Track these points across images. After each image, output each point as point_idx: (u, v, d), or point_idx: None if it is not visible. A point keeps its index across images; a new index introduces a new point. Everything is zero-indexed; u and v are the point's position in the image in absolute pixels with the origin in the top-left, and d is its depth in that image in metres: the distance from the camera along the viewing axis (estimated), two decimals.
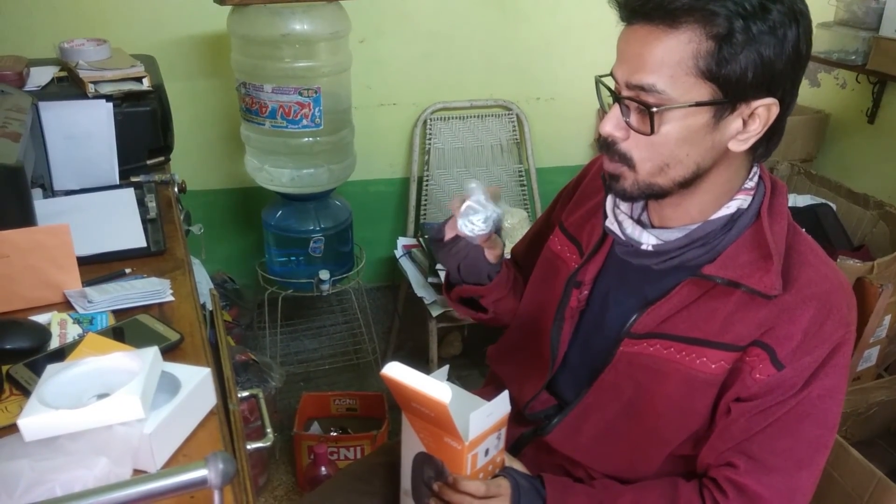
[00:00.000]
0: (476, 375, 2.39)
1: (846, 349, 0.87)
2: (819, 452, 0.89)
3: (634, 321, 0.93)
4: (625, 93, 0.81)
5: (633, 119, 0.81)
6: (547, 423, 1.05)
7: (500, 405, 0.91)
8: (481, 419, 0.88)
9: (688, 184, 0.84)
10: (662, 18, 0.76)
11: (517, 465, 1.01)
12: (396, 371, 0.89)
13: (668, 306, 0.90)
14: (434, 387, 0.84)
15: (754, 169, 0.89)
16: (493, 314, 1.17)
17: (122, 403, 0.68)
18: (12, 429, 0.73)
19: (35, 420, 0.67)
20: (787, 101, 0.80)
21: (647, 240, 0.91)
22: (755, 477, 0.88)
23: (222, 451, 0.63)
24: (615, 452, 0.99)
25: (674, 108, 0.78)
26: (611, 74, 0.84)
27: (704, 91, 0.77)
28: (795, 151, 2.53)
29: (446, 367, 1.00)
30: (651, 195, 0.86)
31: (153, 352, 0.77)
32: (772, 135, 0.83)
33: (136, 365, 0.74)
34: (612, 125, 0.83)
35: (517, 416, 1.09)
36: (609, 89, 0.84)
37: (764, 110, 0.79)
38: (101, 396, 0.71)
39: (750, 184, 0.88)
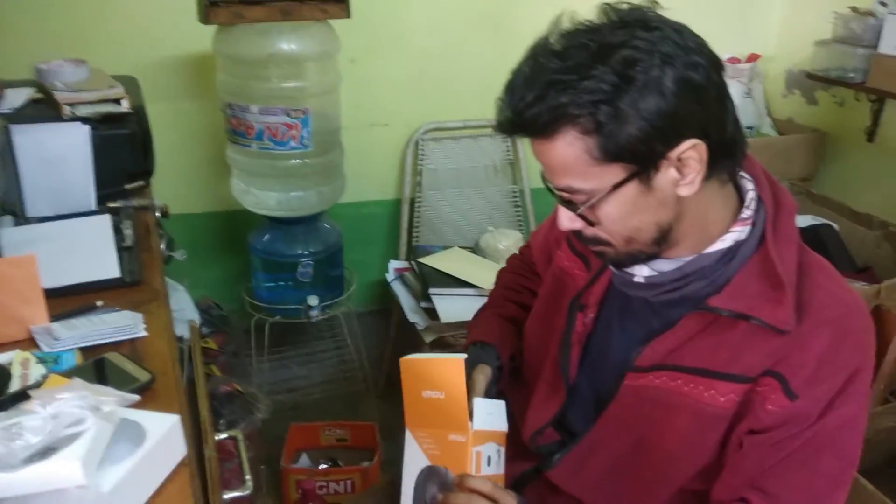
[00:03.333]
0: None
1: (864, 376, 0.82)
2: (838, 488, 0.84)
3: (638, 354, 0.90)
4: (557, 192, 0.82)
5: (580, 211, 0.82)
6: (550, 458, 1.01)
7: (500, 411, 0.95)
8: (484, 407, 0.91)
9: (663, 239, 0.83)
10: (536, 134, 0.77)
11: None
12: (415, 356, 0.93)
13: (672, 339, 0.87)
14: (450, 356, 0.88)
15: (750, 196, 0.85)
16: None
17: (61, 468, 0.62)
18: None
19: None
20: (713, 130, 0.76)
21: (640, 271, 0.87)
22: None
23: None
24: (622, 490, 0.95)
25: (597, 198, 0.78)
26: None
27: (615, 170, 0.76)
28: (794, 170, 2.49)
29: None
30: (640, 259, 0.86)
31: (109, 403, 0.70)
32: (721, 157, 0.78)
33: (89, 414, 0.67)
34: (567, 220, 0.83)
35: (521, 451, 1.05)
36: (547, 187, 0.85)
37: (692, 151, 0.75)
38: (49, 451, 0.64)
39: (747, 213, 0.84)
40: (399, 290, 2.19)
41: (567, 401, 1.00)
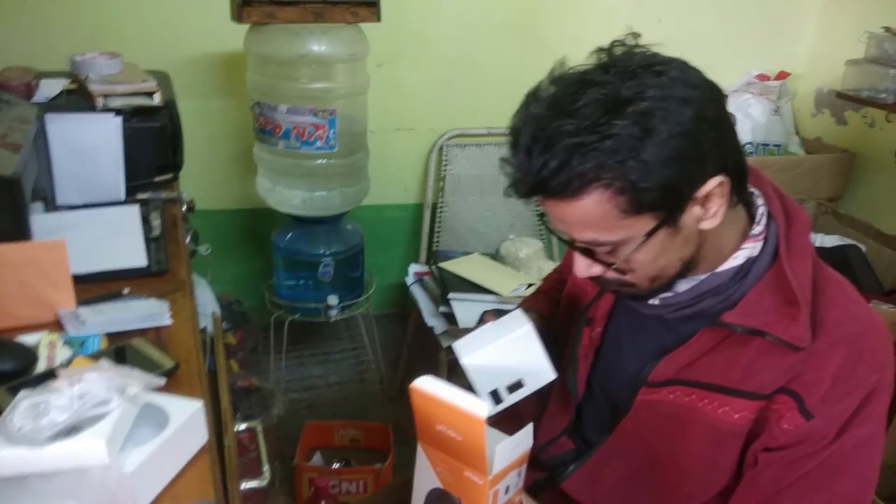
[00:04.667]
0: None
1: (882, 395, 0.80)
2: None
3: (651, 369, 0.89)
4: (577, 244, 0.80)
5: (601, 258, 0.81)
6: (563, 468, 1.00)
7: (524, 438, 0.86)
8: (506, 452, 0.83)
9: (687, 270, 0.82)
10: (559, 197, 0.74)
11: None
12: (429, 385, 0.83)
13: (686, 354, 0.86)
14: (469, 402, 0.78)
15: (760, 211, 0.85)
16: None
17: (85, 447, 0.62)
18: None
19: None
20: (730, 160, 0.76)
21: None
22: None
23: (208, 501, 0.57)
24: None
25: (630, 249, 0.77)
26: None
27: (645, 220, 0.75)
28: (821, 190, 2.46)
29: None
30: (661, 291, 0.85)
31: (134, 386, 0.71)
32: (736, 184, 0.78)
33: (115, 397, 0.68)
34: (584, 269, 0.82)
35: (534, 460, 1.03)
36: (558, 237, 0.82)
37: (716, 188, 0.75)
38: (74, 430, 0.65)
39: (757, 229, 0.83)
40: (418, 293, 2.19)
41: (575, 417, 1.00)
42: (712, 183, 0.74)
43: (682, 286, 0.85)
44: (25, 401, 0.67)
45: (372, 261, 2.42)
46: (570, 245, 0.82)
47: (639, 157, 0.70)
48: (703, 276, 0.84)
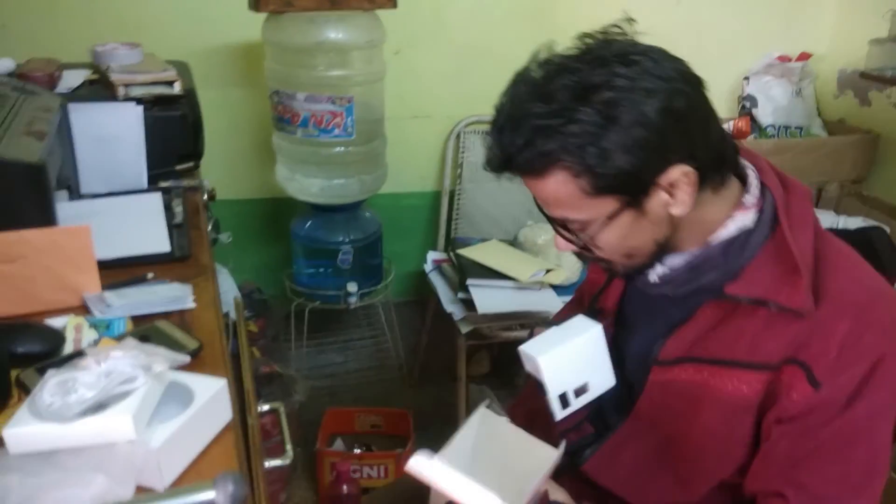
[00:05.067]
0: (504, 395, 2.31)
1: (892, 363, 0.79)
2: (874, 476, 0.82)
3: (661, 347, 0.90)
4: (555, 220, 0.84)
5: (575, 235, 0.84)
6: (582, 452, 1.01)
7: (554, 462, 0.87)
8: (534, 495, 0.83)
9: (662, 251, 0.85)
10: (527, 174, 0.79)
11: (561, 495, 0.94)
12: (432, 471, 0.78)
13: (693, 330, 0.87)
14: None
15: (750, 181, 0.85)
16: None
17: (112, 422, 0.64)
18: None
19: (20, 432, 0.63)
20: (700, 151, 0.77)
21: (654, 270, 0.88)
22: None
23: (233, 472, 0.58)
24: (656, 484, 0.95)
25: (594, 228, 0.81)
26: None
27: (608, 202, 0.78)
28: (845, 171, 2.43)
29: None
30: (646, 268, 0.87)
31: (160, 363, 0.72)
32: (710, 173, 0.79)
33: (141, 374, 0.69)
34: (563, 243, 0.87)
35: (554, 445, 1.04)
36: (542, 211, 0.86)
37: (682, 177, 0.77)
38: (101, 406, 0.66)
39: (749, 199, 0.84)
40: (437, 280, 2.20)
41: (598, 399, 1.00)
42: (675, 172, 0.76)
43: (676, 261, 0.86)
44: (54, 378, 0.69)
45: (390, 248, 2.43)
46: (549, 220, 0.86)
47: (598, 144, 0.73)
48: (696, 250, 0.84)
